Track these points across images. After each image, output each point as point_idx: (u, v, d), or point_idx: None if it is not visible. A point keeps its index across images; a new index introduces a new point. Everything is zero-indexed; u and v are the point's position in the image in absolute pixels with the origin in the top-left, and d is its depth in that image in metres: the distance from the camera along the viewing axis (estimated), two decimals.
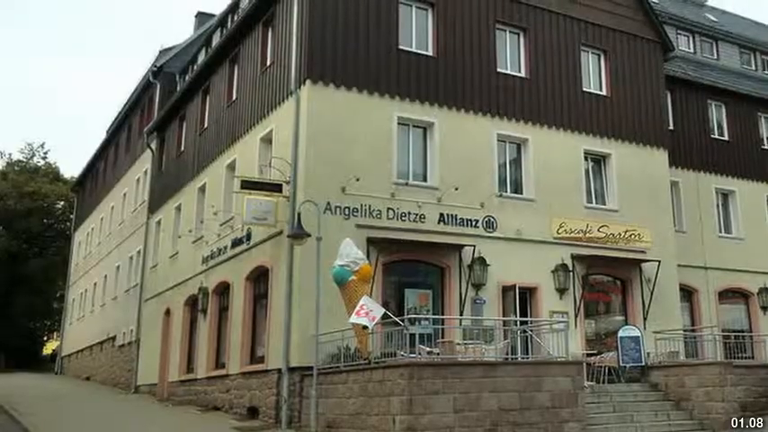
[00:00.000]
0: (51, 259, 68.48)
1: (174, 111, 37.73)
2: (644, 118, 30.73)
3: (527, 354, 22.94)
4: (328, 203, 23.19)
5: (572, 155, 28.57)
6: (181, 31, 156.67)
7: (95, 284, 50.33)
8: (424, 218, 24.85)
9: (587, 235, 28.00)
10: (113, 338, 43.32)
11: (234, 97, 30.22)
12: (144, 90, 44.99)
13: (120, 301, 43.39)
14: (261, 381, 24.09)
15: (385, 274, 23.99)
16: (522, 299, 26.07)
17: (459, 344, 21.44)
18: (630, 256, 28.67)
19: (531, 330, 23.60)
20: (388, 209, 24.29)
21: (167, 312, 34.70)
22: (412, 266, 25.02)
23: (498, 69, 27.65)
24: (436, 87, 26.11)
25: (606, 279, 28.89)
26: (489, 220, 26.02)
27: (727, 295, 34.51)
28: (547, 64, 28.85)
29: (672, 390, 24.25)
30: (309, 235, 21.41)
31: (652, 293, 28.54)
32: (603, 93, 30.18)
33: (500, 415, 18.47)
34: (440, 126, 25.88)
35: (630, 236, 28.93)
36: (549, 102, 28.46)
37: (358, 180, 23.65)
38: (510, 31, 28.58)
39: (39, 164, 73.74)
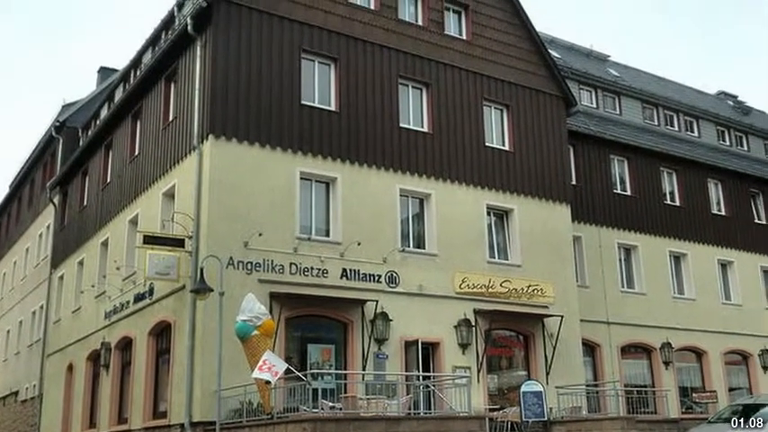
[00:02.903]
0: None
1: (76, 165, 38.82)
2: (547, 173, 32.40)
3: (430, 409, 24.05)
4: (231, 258, 24.20)
5: (475, 210, 30.04)
6: (84, 86, 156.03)
7: None
8: (327, 273, 26.01)
9: (490, 290, 29.41)
10: (16, 393, 44.05)
11: (136, 152, 31.27)
12: (46, 145, 46.14)
13: (23, 356, 44.23)
14: None
15: (288, 329, 25.06)
16: (424, 354, 27.13)
17: (361, 399, 22.41)
18: (533, 311, 30.20)
19: (434, 385, 24.78)
20: (291, 264, 25.40)
21: (70, 367, 35.46)
22: (315, 321, 26.07)
23: (401, 124, 29.06)
24: (339, 142, 27.40)
25: (509, 334, 30.33)
26: (392, 275, 27.28)
27: (630, 350, 36.30)
28: (450, 119, 30.32)
29: None
30: (212, 290, 22.34)
31: (555, 348, 29.99)
32: (506, 147, 31.76)
33: None
34: (343, 181, 27.14)
35: (533, 291, 30.47)
36: (451, 157, 29.92)
37: (261, 235, 24.69)
38: (413, 86, 30.06)
39: None
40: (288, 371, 20.75)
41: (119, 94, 35.18)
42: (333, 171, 27.12)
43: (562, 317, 30.22)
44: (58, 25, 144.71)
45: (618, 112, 42.69)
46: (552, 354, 29.98)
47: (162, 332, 26.98)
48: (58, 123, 43.24)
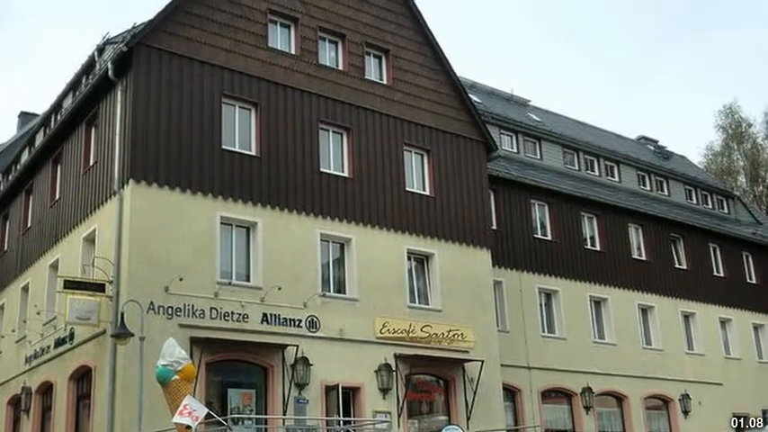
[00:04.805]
0: None
1: None
2: (467, 218, 33.66)
3: None
4: (152, 303, 24.94)
5: (395, 254, 31.16)
6: (4, 131, 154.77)
7: None
8: (248, 317, 26.90)
9: (410, 335, 30.44)
10: None
11: (57, 197, 31.99)
12: None
13: None
14: None
15: (208, 374, 25.82)
16: (345, 398, 28.00)
17: None
18: (453, 355, 31.21)
19: (355, 430, 25.90)
20: (212, 308, 26.24)
21: None
22: (235, 366, 26.93)
23: (322, 169, 30.09)
24: (260, 187, 28.41)
25: (429, 378, 31.39)
26: (312, 319, 28.22)
27: (551, 395, 37.48)
28: (370, 164, 31.49)
29: None
30: (132, 335, 23.19)
31: (475, 393, 31.02)
32: (427, 192, 32.96)
33: None
34: (263, 226, 28.12)
35: (453, 335, 31.58)
36: (372, 201, 31.06)
37: (181, 280, 25.53)
38: (333, 131, 31.15)
39: None
40: (208, 415, 21.34)
41: (39, 139, 35.79)
42: (253, 216, 28.06)
43: (483, 361, 31.22)
44: None
45: (539, 157, 44.02)
46: (473, 398, 30.97)
47: (82, 377, 27.65)
48: None
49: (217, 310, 26.38)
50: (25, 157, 37.65)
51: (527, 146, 43.96)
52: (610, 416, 39.52)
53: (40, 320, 30.62)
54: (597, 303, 40.84)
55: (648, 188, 49.40)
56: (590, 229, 42.21)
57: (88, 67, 31.95)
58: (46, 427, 30.08)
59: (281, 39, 30.82)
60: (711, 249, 48.36)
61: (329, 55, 32.05)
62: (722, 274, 48.25)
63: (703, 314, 45.51)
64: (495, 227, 36.53)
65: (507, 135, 43.22)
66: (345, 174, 30.89)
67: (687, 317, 44.93)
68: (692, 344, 44.59)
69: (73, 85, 33.55)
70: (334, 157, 31.00)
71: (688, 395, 41.95)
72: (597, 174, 46.63)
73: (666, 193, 50.35)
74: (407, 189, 32.34)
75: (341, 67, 32.00)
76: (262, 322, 27.23)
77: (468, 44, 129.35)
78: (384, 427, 25.27)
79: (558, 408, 37.78)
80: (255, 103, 29.31)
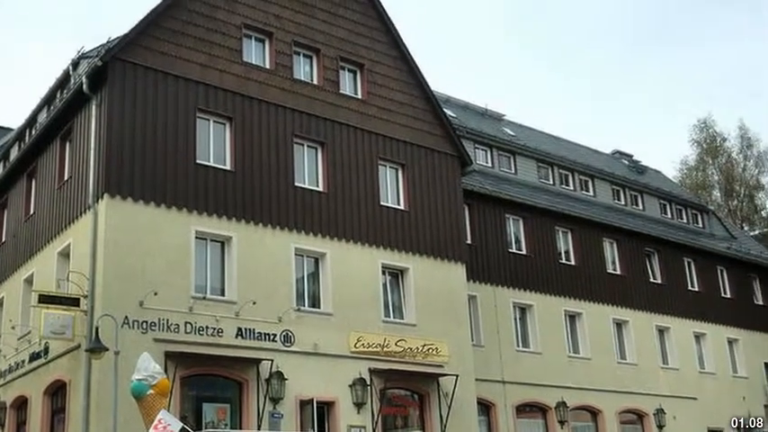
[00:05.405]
0: None
1: None
2: (442, 232, 34.03)
3: None
4: (126, 317, 25.18)
5: (370, 269, 31.49)
6: None
7: None
8: (222, 332, 27.17)
9: (385, 349, 30.73)
10: None
11: (31, 211, 32.20)
12: None
13: None
14: None
15: (183, 388, 26.05)
16: (319, 413, 28.31)
17: None
18: (428, 370, 31.58)
19: None
20: (186, 323, 26.47)
21: None
22: (210, 380, 27.17)
23: (296, 183, 30.38)
24: (234, 201, 28.68)
25: (404, 393, 31.68)
26: (287, 334, 28.49)
27: (525, 409, 37.84)
28: (345, 178, 31.79)
29: None
30: (107, 349, 23.50)
31: (450, 407, 31.31)
32: (401, 207, 33.31)
33: None
34: (238, 240, 28.41)
35: (428, 350, 31.90)
36: (346, 216, 31.37)
37: (156, 294, 25.73)
38: (308, 146, 31.45)
39: None
40: (183, 430, 21.62)
41: (14, 153, 35.75)
42: (228, 230, 28.33)
43: (457, 376, 31.55)
44: None
45: (513, 172, 44.39)
46: (447, 413, 31.21)
47: (57, 391, 27.82)
48: None
49: (191, 325, 26.61)
50: None
51: (502, 160, 44.34)
52: (584, 430, 39.91)
53: (14, 335, 30.69)
54: (572, 318, 41.26)
55: (623, 202, 49.89)
56: (565, 243, 42.66)
57: (63, 82, 32.03)
58: None
59: (255, 53, 31.12)
60: (686, 264, 48.94)
61: (304, 69, 32.34)
62: (697, 289, 48.85)
63: (678, 328, 46.03)
64: (469, 241, 36.96)
65: (482, 149, 43.60)
66: (320, 188, 31.16)
67: (662, 331, 45.43)
68: (666, 358, 45.13)
69: (47, 100, 33.62)
70: (309, 171, 31.27)
71: (663, 409, 42.27)
72: (572, 188, 47.12)
73: (641, 208, 50.92)
74: (382, 203, 32.67)
75: (315, 82, 32.27)
76: (236, 336, 27.47)
77: (443, 58, 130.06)
78: None
79: (533, 422, 38.07)
80: (230, 118, 29.55)
